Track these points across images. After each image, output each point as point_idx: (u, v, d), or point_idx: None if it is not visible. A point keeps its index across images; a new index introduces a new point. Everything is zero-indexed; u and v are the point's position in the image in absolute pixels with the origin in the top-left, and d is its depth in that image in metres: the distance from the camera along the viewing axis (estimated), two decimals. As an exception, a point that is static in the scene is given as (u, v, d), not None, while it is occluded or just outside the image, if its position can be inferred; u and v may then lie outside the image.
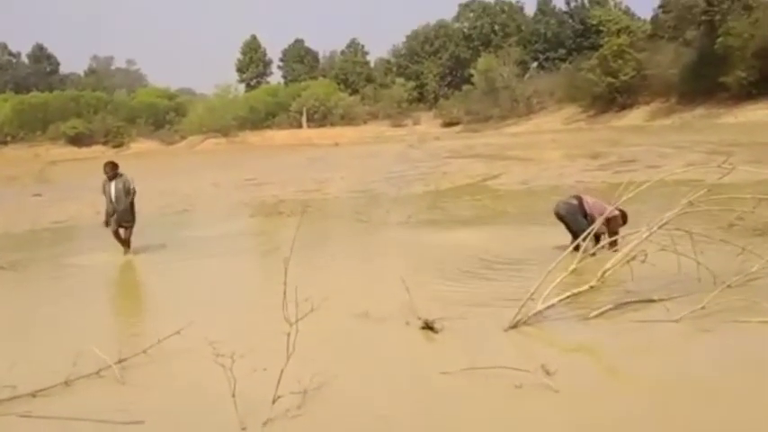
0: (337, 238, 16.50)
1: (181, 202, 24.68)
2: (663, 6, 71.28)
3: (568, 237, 11.27)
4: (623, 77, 64.36)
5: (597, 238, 10.28)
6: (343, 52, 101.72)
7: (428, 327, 7.82)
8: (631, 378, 6.57)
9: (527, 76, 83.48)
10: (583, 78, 68.14)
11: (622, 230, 10.91)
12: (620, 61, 64.97)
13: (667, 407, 5.79)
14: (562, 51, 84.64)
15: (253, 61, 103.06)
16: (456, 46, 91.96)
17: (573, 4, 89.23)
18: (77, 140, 79.09)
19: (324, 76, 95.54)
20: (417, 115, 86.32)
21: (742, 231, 11.41)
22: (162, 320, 9.14)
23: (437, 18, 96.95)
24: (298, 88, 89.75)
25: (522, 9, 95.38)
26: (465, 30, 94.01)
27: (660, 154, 30.35)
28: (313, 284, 8.02)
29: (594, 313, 8.00)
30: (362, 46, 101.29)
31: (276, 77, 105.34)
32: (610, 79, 64.72)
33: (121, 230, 14.31)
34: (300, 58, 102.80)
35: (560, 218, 11.76)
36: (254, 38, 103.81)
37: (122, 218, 14.16)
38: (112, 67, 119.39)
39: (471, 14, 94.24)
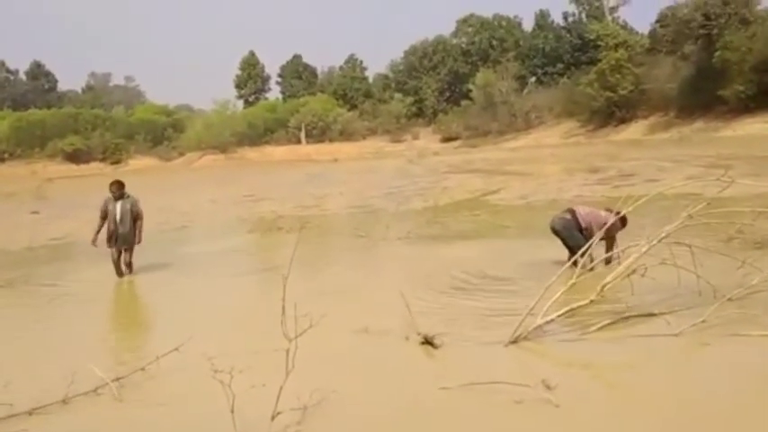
0: (336, 253, 16.45)
1: (179, 218, 24.64)
2: (660, 21, 71.44)
3: (567, 251, 11.27)
4: (621, 92, 64.44)
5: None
6: (341, 68, 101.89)
7: (428, 342, 7.79)
8: (632, 393, 6.53)
9: (525, 90, 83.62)
10: (581, 93, 68.24)
11: (623, 238, 10.88)
12: (618, 75, 65.06)
13: (668, 421, 5.76)
14: (560, 66, 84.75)
15: (251, 77, 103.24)
16: (454, 61, 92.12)
17: (570, 19, 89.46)
18: (75, 157, 79.07)
19: (322, 92, 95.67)
20: (416, 130, 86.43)
21: (742, 244, 11.41)
22: (160, 337, 9.11)
23: (435, 33, 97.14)
24: (296, 104, 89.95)
25: (519, 24, 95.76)
26: (463, 45, 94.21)
27: (659, 168, 30.36)
28: (312, 300, 8.00)
29: (595, 327, 7.98)
30: (361, 62, 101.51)
31: (274, 93, 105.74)
32: (608, 94, 64.80)
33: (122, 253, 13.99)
34: (299, 74, 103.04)
35: (556, 233, 11.74)
36: (252, 54, 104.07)
37: (126, 240, 13.83)
38: (111, 84, 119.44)
39: (469, 30, 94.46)
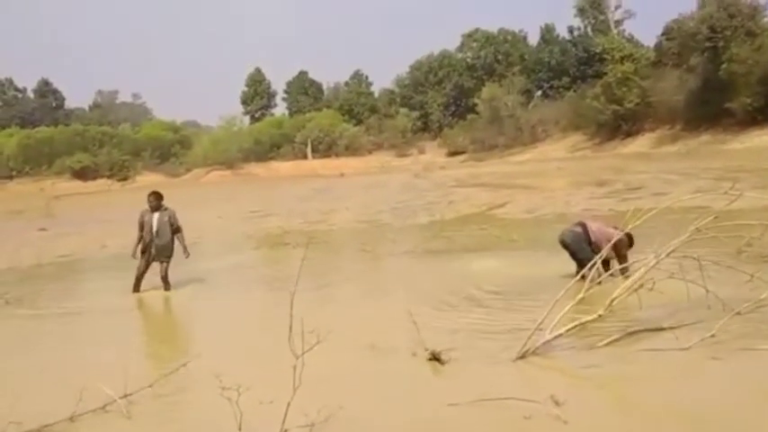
0: (343, 269, 16.44)
1: (186, 234, 24.55)
2: (666, 34, 71.40)
3: (575, 265, 11.24)
4: (628, 105, 64.32)
5: (605, 263, 10.26)
6: (347, 83, 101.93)
7: (435, 358, 7.76)
8: (641, 408, 6.49)
9: (531, 104, 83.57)
10: (587, 106, 68.16)
11: (631, 252, 10.86)
12: (624, 89, 64.98)
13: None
14: (566, 80, 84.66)
15: (257, 93, 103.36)
16: (460, 76, 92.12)
17: (576, 33, 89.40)
18: (83, 174, 79.31)
19: (328, 107, 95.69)
20: (422, 145, 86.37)
21: (750, 258, 11.35)
22: (168, 354, 9.10)
23: (440, 48, 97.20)
24: (302, 119, 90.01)
25: (525, 38, 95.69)
26: (468, 59, 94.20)
27: (666, 181, 30.32)
28: (319, 316, 7.99)
29: (603, 342, 7.95)
30: (366, 77, 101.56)
31: (281, 109, 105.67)
32: (614, 107, 64.71)
33: (157, 265, 13.83)
34: (305, 90, 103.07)
35: (565, 246, 11.73)
36: (258, 70, 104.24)
37: (162, 252, 13.78)
38: (117, 102, 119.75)
39: (475, 44, 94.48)
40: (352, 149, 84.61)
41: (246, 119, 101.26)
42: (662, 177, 32.17)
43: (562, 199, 27.09)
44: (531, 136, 76.11)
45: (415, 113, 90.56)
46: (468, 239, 18.66)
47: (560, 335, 7.96)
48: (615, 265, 10.66)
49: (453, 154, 79.31)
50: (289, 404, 5.87)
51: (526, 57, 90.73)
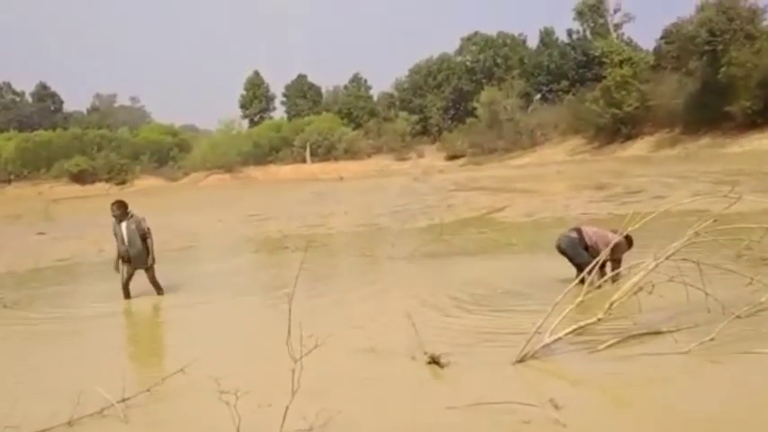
0: (342, 272, 16.44)
1: (185, 238, 24.63)
2: (665, 37, 71.58)
3: (574, 269, 11.23)
4: (627, 108, 64.41)
5: (603, 266, 10.25)
6: (346, 87, 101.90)
7: (434, 361, 7.74)
8: (640, 411, 6.48)
9: (530, 108, 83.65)
10: (586, 110, 68.28)
11: (630, 255, 10.83)
12: (623, 92, 65.07)
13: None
14: (565, 83, 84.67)
15: (256, 97, 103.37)
16: (459, 79, 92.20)
17: (575, 36, 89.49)
18: (81, 178, 79.44)
19: (327, 111, 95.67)
20: (421, 148, 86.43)
21: (750, 261, 11.35)
22: (166, 358, 9.08)
23: (440, 52, 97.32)
24: (301, 123, 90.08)
25: (524, 42, 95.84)
26: (468, 63, 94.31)
27: (666, 184, 30.32)
28: (318, 320, 8.00)
29: (602, 346, 7.92)
30: (365, 80, 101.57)
31: (279, 113, 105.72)
32: (614, 110, 64.82)
33: (141, 273, 13.56)
34: (303, 94, 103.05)
35: (562, 252, 11.72)
36: (256, 74, 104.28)
37: (138, 261, 13.43)
38: (116, 105, 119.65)
39: (474, 48, 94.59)
40: (351, 153, 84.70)
41: (245, 122, 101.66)
42: (661, 181, 32.20)
43: (561, 203, 27.09)
44: (531, 140, 76.25)
45: (415, 117, 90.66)
46: (467, 243, 18.63)
47: (560, 338, 7.94)
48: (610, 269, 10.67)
49: (452, 158, 79.42)
50: (287, 408, 5.84)
51: (525, 60, 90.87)
